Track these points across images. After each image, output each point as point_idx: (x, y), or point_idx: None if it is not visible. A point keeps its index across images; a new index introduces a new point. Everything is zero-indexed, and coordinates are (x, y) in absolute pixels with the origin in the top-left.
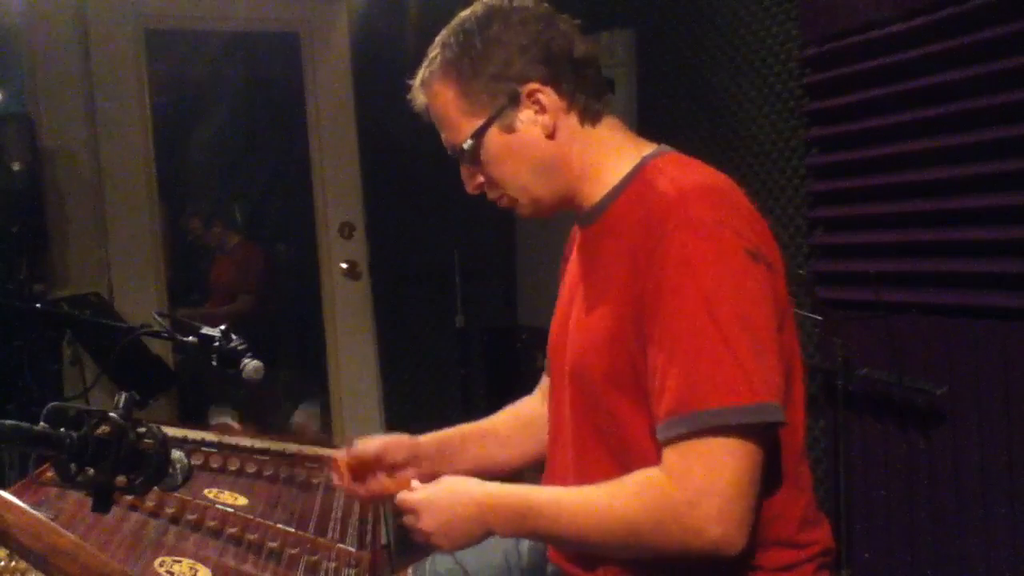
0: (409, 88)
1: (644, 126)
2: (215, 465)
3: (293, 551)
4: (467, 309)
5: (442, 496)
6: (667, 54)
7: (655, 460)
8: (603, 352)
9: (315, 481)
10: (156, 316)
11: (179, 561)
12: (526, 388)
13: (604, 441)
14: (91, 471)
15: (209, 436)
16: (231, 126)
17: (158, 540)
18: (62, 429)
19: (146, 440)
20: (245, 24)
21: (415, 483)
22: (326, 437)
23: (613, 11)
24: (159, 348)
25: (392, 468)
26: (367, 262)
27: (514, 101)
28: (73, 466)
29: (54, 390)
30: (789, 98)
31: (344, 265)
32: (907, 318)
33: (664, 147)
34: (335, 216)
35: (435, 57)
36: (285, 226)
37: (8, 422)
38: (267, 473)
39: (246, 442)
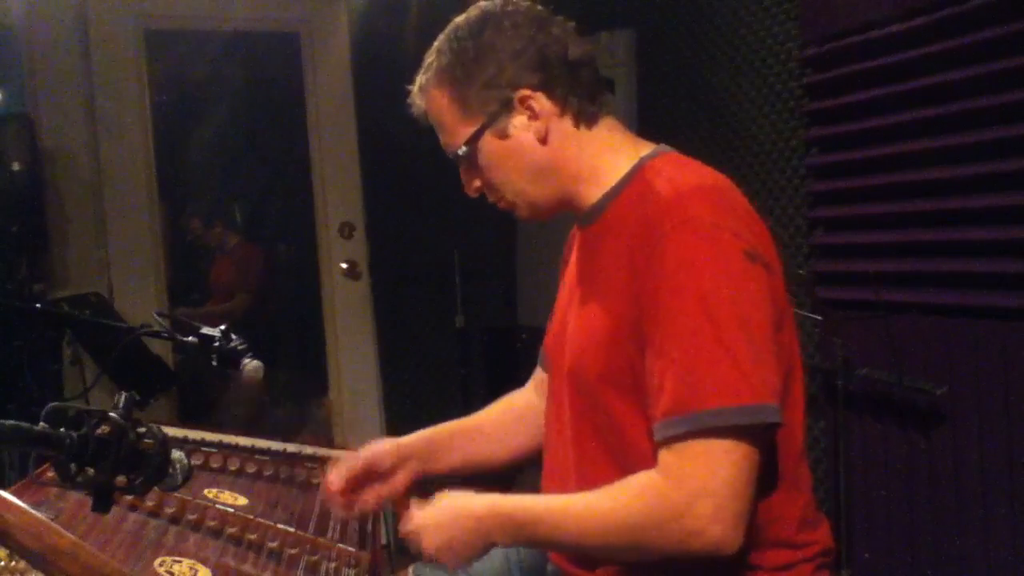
0: (409, 92)
1: (644, 126)
2: (215, 465)
3: (293, 551)
4: (467, 309)
5: (441, 515)
6: (667, 54)
7: (654, 460)
8: (601, 352)
9: (315, 481)
10: (156, 316)
11: (179, 561)
12: None
13: (603, 441)
14: (91, 471)
15: (209, 436)
16: (231, 126)
17: (158, 540)
18: (62, 429)
19: (146, 440)
20: (245, 24)
21: (414, 507)
22: (327, 438)
23: (613, 11)
24: (159, 348)
25: (382, 476)
26: (367, 262)
27: (507, 107)
28: (73, 466)
29: (54, 390)
30: (789, 98)
31: (344, 265)
32: (907, 318)
33: (663, 147)
34: (335, 216)
35: (431, 63)
36: (285, 226)
37: (8, 422)
38: (267, 473)
39: (246, 442)
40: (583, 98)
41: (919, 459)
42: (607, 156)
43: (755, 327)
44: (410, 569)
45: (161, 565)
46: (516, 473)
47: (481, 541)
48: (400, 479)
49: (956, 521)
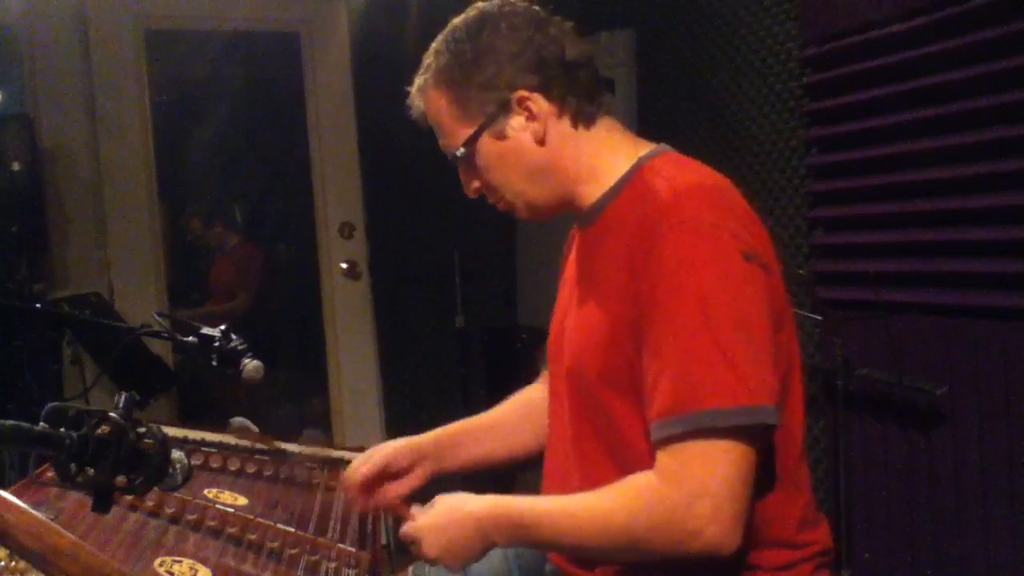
0: (408, 94)
1: (644, 126)
2: (215, 465)
3: (293, 551)
4: (467, 309)
5: (441, 519)
6: (667, 54)
7: (654, 460)
8: (600, 352)
9: (315, 481)
10: (156, 316)
11: (179, 561)
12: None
13: (603, 441)
14: (91, 471)
15: (209, 436)
16: (231, 126)
17: (158, 540)
18: (62, 429)
19: (146, 440)
20: (245, 24)
21: (414, 508)
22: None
23: (613, 11)
24: (159, 348)
25: (398, 475)
26: (367, 262)
27: (504, 109)
28: (73, 466)
29: (54, 390)
30: (789, 98)
31: (344, 265)
32: (907, 318)
33: (662, 146)
34: (335, 216)
35: (429, 64)
36: (285, 226)
37: (8, 422)
38: (267, 473)
39: (246, 442)
40: (581, 98)
41: (919, 459)
42: (606, 156)
43: (753, 327)
44: (410, 569)
45: (161, 565)
46: (517, 473)
47: (481, 543)
48: (415, 477)
49: (956, 521)
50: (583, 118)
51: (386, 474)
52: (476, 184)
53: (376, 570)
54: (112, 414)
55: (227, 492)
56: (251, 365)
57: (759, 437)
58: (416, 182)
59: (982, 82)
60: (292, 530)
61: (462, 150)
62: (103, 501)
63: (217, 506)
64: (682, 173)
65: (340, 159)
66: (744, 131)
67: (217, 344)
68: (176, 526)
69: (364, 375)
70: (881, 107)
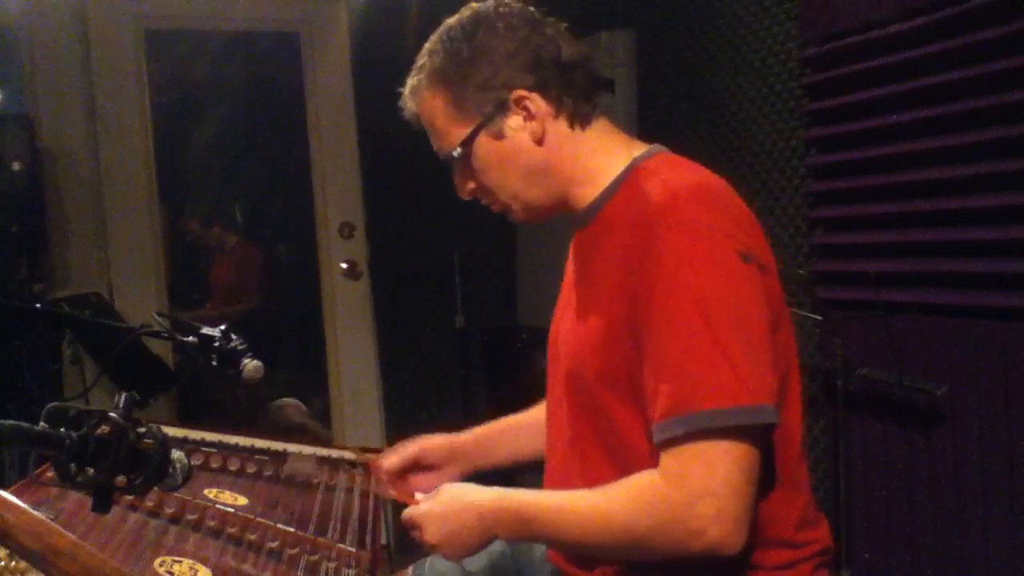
0: (402, 95)
1: (644, 126)
2: (215, 465)
3: (293, 551)
4: (467, 309)
5: (444, 507)
6: (667, 54)
7: (653, 461)
8: (597, 354)
9: (315, 481)
10: (156, 316)
11: (179, 561)
12: (526, 388)
13: (603, 442)
14: (91, 471)
15: (209, 436)
16: (231, 126)
17: (158, 540)
18: (62, 429)
19: (146, 440)
20: (245, 24)
21: (418, 495)
22: (326, 434)
23: (613, 11)
24: (159, 348)
25: (430, 469)
26: (367, 262)
27: (502, 108)
28: (73, 466)
29: (54, 390)
30: (789, 98)
31: (344, 265)
32: (907, 318)
33: (657, 147)
34: (335, 216)
35: (423, 65)
36: (285, 226)
37: (8, 422)
38: (267, 473)
39: (246, 442)
40: (577, 99)
41: (919, 459)
42: (601, 157)
43: (751, 328)
44: (410, 569)
45: (161, 565)
46: (516, 475)
47: (482, 534)
48: (447, 474)
49: (956, 521)
50: (579, 118)
51: (418, 466)
52: (471, 186)
53: (376, 570)
54: (112, 414)
55: (227, 492)
56: (251, 365)
57: (760, 437)
58: (416, 182)
59: (982, 82)
60: (292, 530)
61: (459, 150)
62: (103, 501)
63: (217, 506)
64: (678, 174)
65: (340, 159)
66: (744, 131)
67: (217, 344)
68: (176, 526)
69: (364, 375)
70: (881, 107)
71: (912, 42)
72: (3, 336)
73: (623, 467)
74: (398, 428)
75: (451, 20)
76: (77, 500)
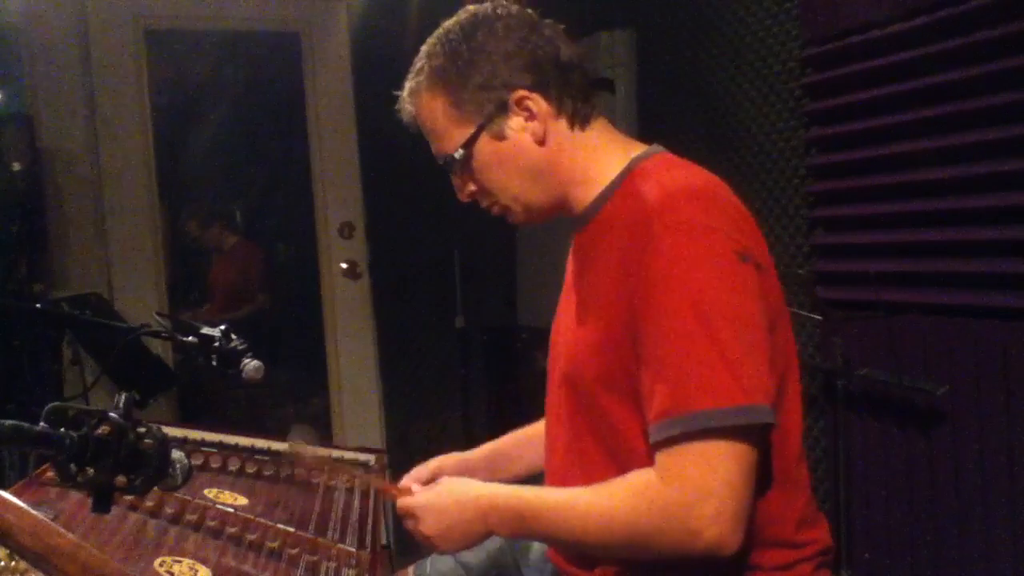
0: (399, 98)
1: (644, 126)
2: (215, 465)
3: (293, 551)
4: (467, 309)
5: (441, 499)
6: (667, 54)
7: (653, 462)
8: (596, 355)
9: (315, 481)
10: (156, 316)
11: (179, 561)
12: (526, 388)
13: (602, 444)
14: (91, 471)
15: (209, 436)
16: (231, 126)
17: (158, 540)
18: (62, 429)
19: (146, 440)
20: (245, 24)
21: (415, 487)
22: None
23: (613, 11)
24: (159, 348)
25: None
26: (367, 262)
27: (502, 109)
28: (73, 466)
29: (54, 390)
30: (789, 98)
31: (344, 265)
32: (907, 318)
33: (655, 147)
34: (335, 216)
35: (422, 67)
36: (285, 226)
37: (8, 422)
38: (267, 473)
39: (246, 442)
40: (577, 99)
41: (919, 459)
42: (600, 158)
43: (747, 327)
44: (410, 569)
45: (161, 565)
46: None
47: (479, 529)
48: (409, 482)
49: (956, 521)
50: (579, 119)
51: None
52: (471, 187)
53: (376, 570)
54: (112, 414)
55: (227, 492)
56: (251, 365)
57: (757, 437)
58: (416, 182)
59: (982, 82)
60: (292, 530)
61: (460, 151)
62: (103, 501)
63: (217, 506)
64: (674, 174)
65: (340, 159)
66: (744, 131)
67: (217, 344)
68: (176, 526)
69: (364, 375)
70: (881, 107)
71: (912, 42)
72: (3, 336)
73: (623, 468)
74: (398, 428)
75: (449, 22)
76: (77, 500)
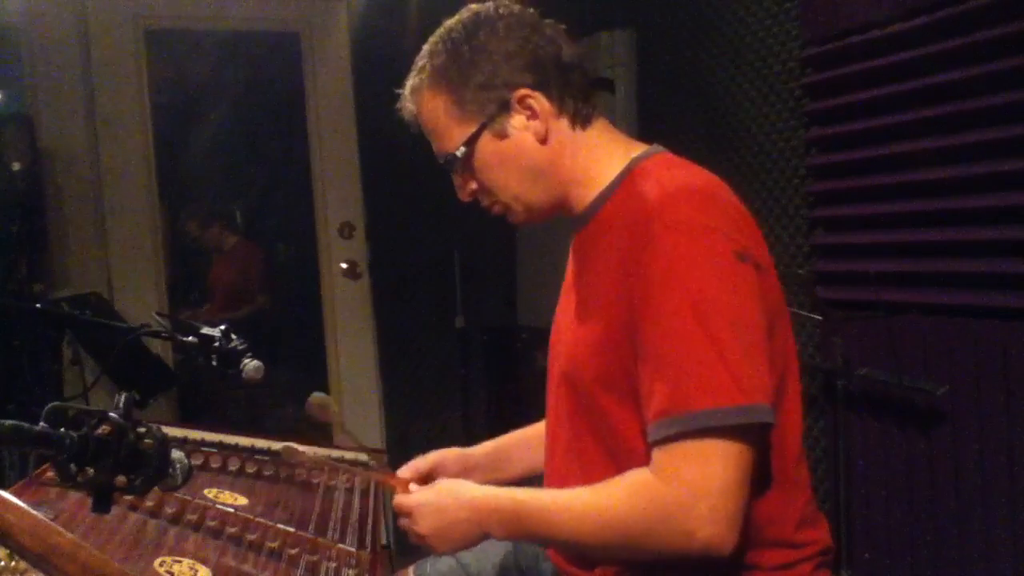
0: (400, 96)
1: (644, 126)
2: (215, 465)
3: (293, 551)
4: (467, 309)
5: (438, 499)
6: (667, 54)
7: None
8: (595, 355)
9: (315, 481)
10: (156, 316)
11: (179, 561)
12: (526, 388)
13: (602, 444)
14: (91, 471)
15: (209, 436)
16: (231, 126)
17: (158, 540)
18: (62, 429)
19: (146, 440)
20: (245, 24)
21: (412, 486)
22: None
23: (613, 11)
24: (159, 348)
25: None
26: (367, 262)
27: (504, 108)
28: (73, 466)
29: (54, 390)
30: (789, 98)
31: (344, 265)
32: (907, 318)
33: (655, 147)
34: (335, 216)
35: (423, 66)
36: (285, 226)
37: (8, 422)
38: (267, 473)
39: (246, 442)
40: (578, 99)
41: (919, 459)
42: (600, 158)
43: (746, 327)
44: (410, 569)
45: (161, 565)
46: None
47: (475, 530)
48: (406, 478)
49: (956, 521)
50: (580, 119)
51: (433, 478)
52: (472, 187)
53: (376, 570)
54: (112, 414)
55: (227, 492)
56: (251, 365)
57: (756, 436)
58: (416, 182)
59: (982, 82)
60: (292, 530)
61: (462, 150)
62: (103, 501)
63: (217, 506)
64: (674, 174)
65: (340, 159)
66: (744, 131)
67: (217, 344)
68: (176, 526)
69: (364, 375)
70: (881, 107)
71: (912, 42)
72: (3, 336)
73: (622, 468)
74: (398, 428)
75: (451, 21)
76: (77, 500)
